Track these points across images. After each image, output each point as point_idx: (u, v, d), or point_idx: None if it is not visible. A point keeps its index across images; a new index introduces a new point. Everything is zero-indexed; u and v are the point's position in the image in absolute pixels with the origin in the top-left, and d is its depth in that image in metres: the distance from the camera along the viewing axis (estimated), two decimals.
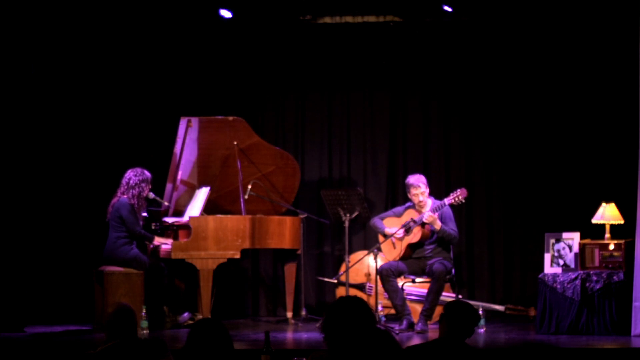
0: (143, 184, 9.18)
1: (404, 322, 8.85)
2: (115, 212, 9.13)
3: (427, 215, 8.92)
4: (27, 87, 9.81)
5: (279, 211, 9.88)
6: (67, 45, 10.25)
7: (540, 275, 8.80)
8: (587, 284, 8.56)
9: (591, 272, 8.61)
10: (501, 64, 10.24)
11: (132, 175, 9.20)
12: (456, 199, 8.92)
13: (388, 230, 9.15)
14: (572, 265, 8.80)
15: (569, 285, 8.61)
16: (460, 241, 9.78)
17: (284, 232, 9.51)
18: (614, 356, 7.78)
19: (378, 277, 9.07)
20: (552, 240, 8.91)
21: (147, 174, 9.24)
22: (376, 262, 9.19)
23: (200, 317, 9.11)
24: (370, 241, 10.13)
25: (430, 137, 10.50)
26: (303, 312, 9.94)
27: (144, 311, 8.73)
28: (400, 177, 10.24)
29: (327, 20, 10.45)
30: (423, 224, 9.02)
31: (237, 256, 9.23)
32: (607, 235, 8.82)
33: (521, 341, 8.27)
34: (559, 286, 8.65)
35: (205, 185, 9.59)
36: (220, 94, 10.57)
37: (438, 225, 8.94)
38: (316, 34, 10.50)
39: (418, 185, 9.06)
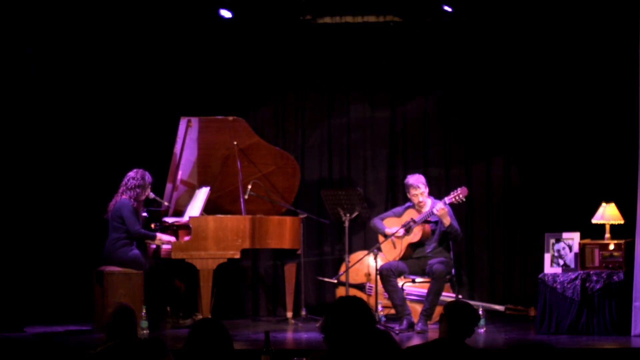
0: (138, 189, 9.15)
1: (404, 322, 8.85)
2: (116, 212, 9.12)
3: (439, 207, 8.87)
4: (27, 87, 9.81)
5: (279, 211, 9.88)
6: (68, 45, 10.25)
7: (540, 275, 8.80)
8: (587, 284, 8.56)
9: (591, 272, 8.61)
10: (501, 64, 10.23)
11: (131, 176, 9.20)
12: (456, 198, 8.92)
13: (388, 231, 9.15)
14: (572, 265, 8.80)
15: (569, 285, 8.61)
16: (460, 241, 9.77)
17: (284, 232, 9.51)
18: (614, 356, 7.78)
19: (378, 277, 9.07)
20: (552, 240, 8.91)
21: (147, 178, 9.21)
22: (376, 262, 9.19)
23: (200, 317, 9.12)
24: (370, 241, 10.13)
25: (430, 137, 10.50)
26: (303, 312, 9.94)
27: (144, 311, 8.73)
28: (400, 177, 10.24)
29: (327, 20, 10.46)
30: (426, 222, 9.02)
31: (237, 256, 9.23)
32: (607, 235, 8.82)
33: (518, 341, 8.26)
34: (559, 286, 8.65)
35: (205, 185, 9.59)
36: (220, 94, 10.57)
37: (447, 220, 8.92)
38: (316, 34, 10.50)
39: (417, 185, 9.06)
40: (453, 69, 10.35)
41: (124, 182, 9.20)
